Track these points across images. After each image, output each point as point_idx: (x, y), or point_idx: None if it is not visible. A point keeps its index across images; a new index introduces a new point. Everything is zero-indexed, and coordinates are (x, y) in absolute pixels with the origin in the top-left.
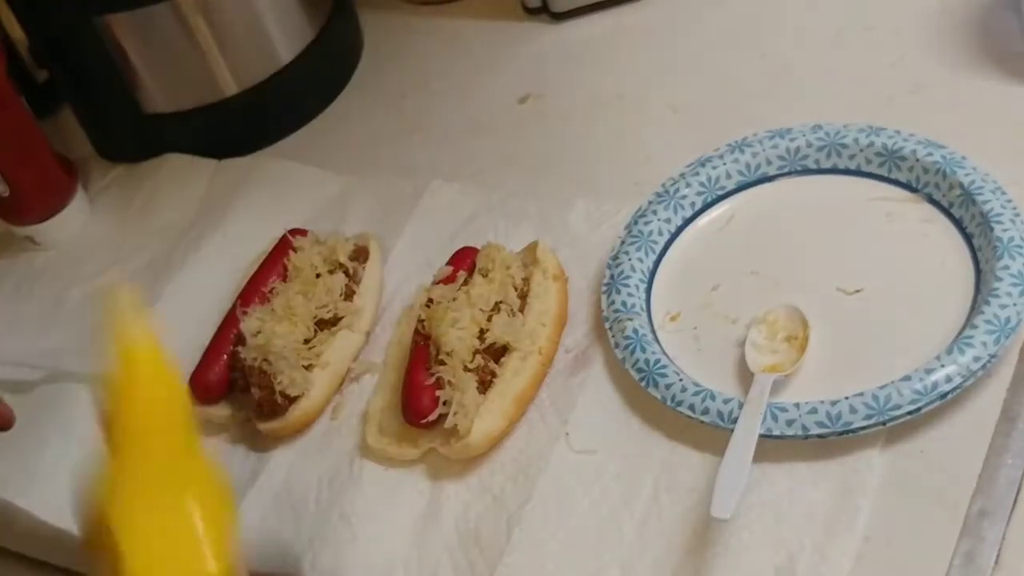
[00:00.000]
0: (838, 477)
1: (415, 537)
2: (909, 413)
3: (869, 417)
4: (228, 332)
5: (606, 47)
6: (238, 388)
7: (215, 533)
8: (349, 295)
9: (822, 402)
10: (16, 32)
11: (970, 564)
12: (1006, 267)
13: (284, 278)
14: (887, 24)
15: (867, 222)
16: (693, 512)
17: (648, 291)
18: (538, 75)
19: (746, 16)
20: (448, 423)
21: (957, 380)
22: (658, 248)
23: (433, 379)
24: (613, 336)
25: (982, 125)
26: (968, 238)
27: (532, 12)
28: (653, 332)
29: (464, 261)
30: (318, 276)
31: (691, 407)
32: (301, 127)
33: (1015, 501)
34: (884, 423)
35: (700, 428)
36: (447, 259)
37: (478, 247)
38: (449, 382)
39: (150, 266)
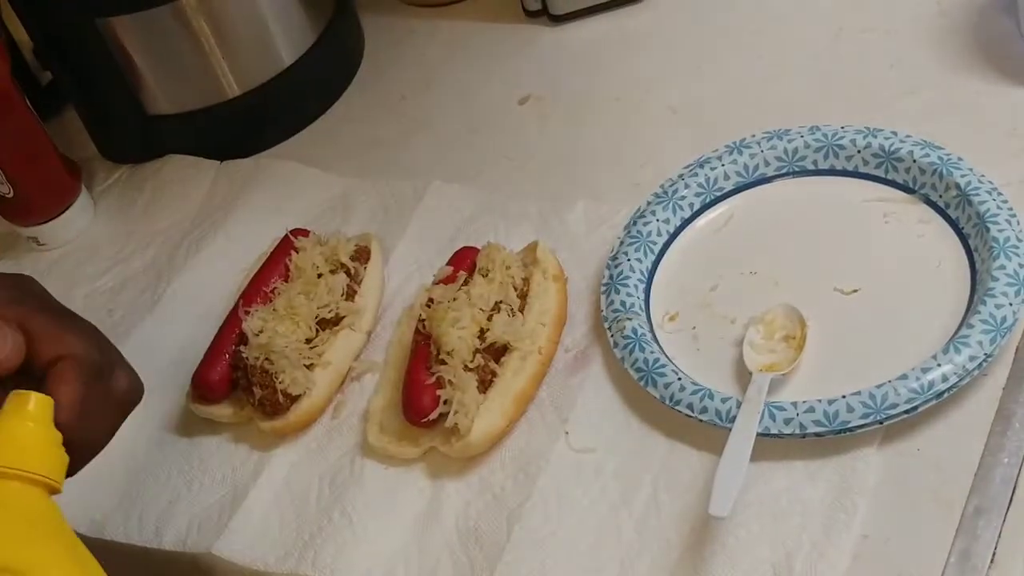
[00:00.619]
0: (835, 475)
1: (415, 535)
2: (906, 412)
3: (866, 416)
4: (230, 331)
5: (605, 49)
6: (240, 387)
7: None
8: (351, 295)
9: (819, 401)
10: (20, 34)
11: (966, 562)
12: (1002, 267)
13: (286, 278)
14: (885, 26)
15: (864, 223)
16: (691, 510)
17: (647, 291)
18: (538, 77)
19: (744, 18)
20: (448, 422)
21: (953, 379)
22: (657, 248)
23: (434, 378)
24: (612, 336)
25: (979, 127)
26: (964, 238)
27: (532, 14)
28: (652, 332)
29: (464, 261)
30: (320, 276)
31: (689, 406)
32: (303, 128)
33: (1011, 499)
34: (881, 422)
35: (698, 427)
36: (447, 259)
37: (478, 247)
38: (450, 381)
39: (153, 266)
